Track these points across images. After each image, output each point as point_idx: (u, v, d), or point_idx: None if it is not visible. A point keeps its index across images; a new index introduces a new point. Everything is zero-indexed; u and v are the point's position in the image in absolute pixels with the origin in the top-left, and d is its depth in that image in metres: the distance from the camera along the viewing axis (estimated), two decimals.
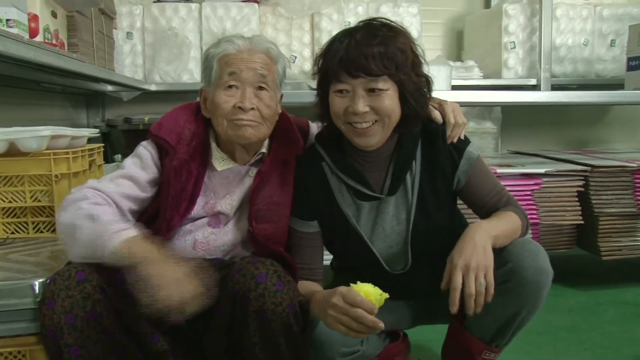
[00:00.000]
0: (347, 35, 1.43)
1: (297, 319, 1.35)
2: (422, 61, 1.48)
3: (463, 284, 1.32)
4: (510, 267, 1.40)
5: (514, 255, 1.41)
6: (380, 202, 1.54)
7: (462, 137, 1.55)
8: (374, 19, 1.47)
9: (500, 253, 1.42)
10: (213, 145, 1.56)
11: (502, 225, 1.46)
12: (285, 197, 1.56)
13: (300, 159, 1.59)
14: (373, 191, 1.53)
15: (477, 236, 1.38)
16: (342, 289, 1.28)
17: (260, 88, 1.49)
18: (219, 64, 1.50)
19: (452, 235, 1.47)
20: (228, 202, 1.54)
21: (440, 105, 1.59)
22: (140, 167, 1.51)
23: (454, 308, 1.32)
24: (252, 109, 1.47)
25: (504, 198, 1.57)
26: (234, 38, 1.53)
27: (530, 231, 1.59)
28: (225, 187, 1.55)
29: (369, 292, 1.28)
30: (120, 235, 1.29)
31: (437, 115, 1.56)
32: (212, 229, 1.54)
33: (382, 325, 1.24)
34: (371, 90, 1.40)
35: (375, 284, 1.47)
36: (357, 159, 1.54)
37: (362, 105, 1.40)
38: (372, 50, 1.38)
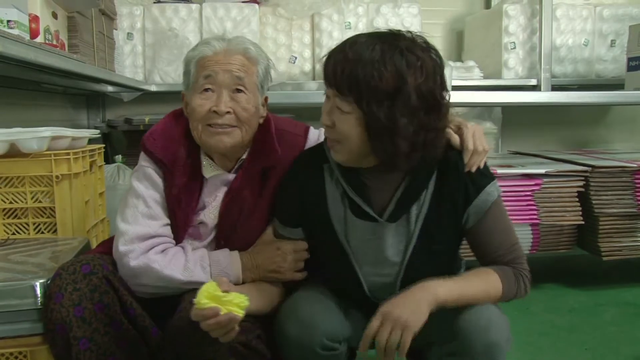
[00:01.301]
0: (353, 38, 1.29)
1: (243, 358, 1.28)
2: (422, 105, 1.24)
3: None
4: (458, 343, 1.28)
5: (464, 330, 1.27)
6: (376, 226, 1.38)
7: (482, 167, 1.38)
8: (398, 31, 1.29)
9: (452, 322, 1.29)
10: (201, 152, 1.51)
11: (463, 290, 1.30)
12: (260, 208, 1.51)
13: (300, 158, 1.49)
14: (373, 211, 1.38)
15: (419, 294, 1.25)
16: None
17: (238, 90, 1.43)
18: (195, 68, 1.45)
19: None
20: (210, 212, 1.50)
21: (460, 128, 1.40)
22: (153, 188, 1.46)
23: (361, 348, 1.25)
24: (228, 112, 1.41)
25: (511, 255, 1.39)
26: (211, 40, 1.47)
27: (523, 292, 1.41)
28: (211, 195, 1.50)
29: (201, 301, 1.19)
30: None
31: (455, 139, 1.38)
32: (192, 240, 1.50)
33: (232, 316, 1.17)
34: (338, 107, 1.28)
35: (356, 310, 1.41)
36: (364, 173, 1.38)
37: (326, 117, 1.31)
38: (345, 65, 1.24)
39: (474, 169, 1.37)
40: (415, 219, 1.37)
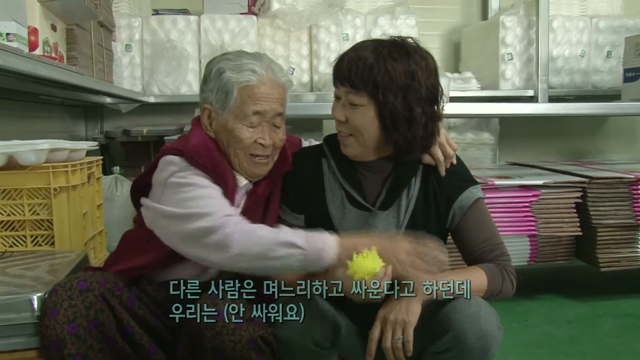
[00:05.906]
0: (360, 42, 1.45)
1: (262, 352, 1.30)
2: (429, 96, 1.41)
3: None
4: (451, 336, 1.31)
5: (454, 322, 1.31)
6: (369, 215, 1.50)
7: (455, 162, 1.52)
8: (399, 37, 1.45)
9: (441, 317, 1.34)
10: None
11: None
12: (273, 212, 1.55)
13: (300, 152, 1.61)
14: (366, 201, 1.50)
15: (407, 291, 1.33)
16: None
17: (277, 125, 1.50)
18: (240, 95, 1.45)
19: None
20: None
21: None
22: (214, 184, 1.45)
23: (369, 356, 1.33)
24: (271, 144, 1.49)
25: (496, 252, 1.49)
26: (254, 64, 1.47)
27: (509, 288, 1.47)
28: (235, 202, 1.52)
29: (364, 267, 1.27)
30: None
31: (426, 157, 1.51)
32: None
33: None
34: (351, 103, 1.41)
35: (343, 303, 1.42)
36: (358, 166, 1.51)
37: (339, 113, 1.44)
38: (358, 62, 1.38)
39: (448, 167, 1.51)
40: (404, 210, 1.49)
